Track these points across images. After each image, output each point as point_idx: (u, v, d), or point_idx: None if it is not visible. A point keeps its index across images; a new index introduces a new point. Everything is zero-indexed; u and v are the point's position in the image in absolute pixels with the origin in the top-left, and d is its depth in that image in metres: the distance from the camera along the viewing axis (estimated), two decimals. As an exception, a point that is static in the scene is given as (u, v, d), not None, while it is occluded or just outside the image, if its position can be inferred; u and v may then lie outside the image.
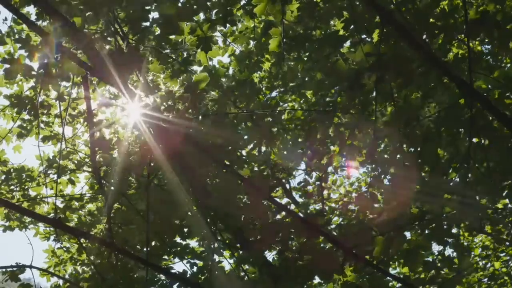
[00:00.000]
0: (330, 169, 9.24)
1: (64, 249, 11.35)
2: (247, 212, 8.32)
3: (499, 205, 8.14)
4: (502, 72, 7.72)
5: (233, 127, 8.67)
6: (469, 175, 7.45)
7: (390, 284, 8.47)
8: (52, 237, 11.19)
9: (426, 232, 7.53)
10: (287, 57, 8.54)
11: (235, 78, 9.30)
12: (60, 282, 10.60)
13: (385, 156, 8.14)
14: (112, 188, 9.39)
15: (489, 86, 7.68)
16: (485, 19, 7.09)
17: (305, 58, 8.59)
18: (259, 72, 9.50)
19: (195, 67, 8.75)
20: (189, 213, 8.69)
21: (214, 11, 8.04)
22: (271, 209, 8.24)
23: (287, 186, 9.45)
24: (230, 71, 9.51)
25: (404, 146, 7.95)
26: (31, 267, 9.11)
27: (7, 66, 7.65)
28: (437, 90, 7.54)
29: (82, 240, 9.62)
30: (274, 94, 9.59)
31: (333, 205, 9.42)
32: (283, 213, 8.15)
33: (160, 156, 8.39)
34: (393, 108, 8.05)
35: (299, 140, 8.83)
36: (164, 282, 8.43)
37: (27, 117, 9.85)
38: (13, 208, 9.33)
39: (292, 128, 9.00)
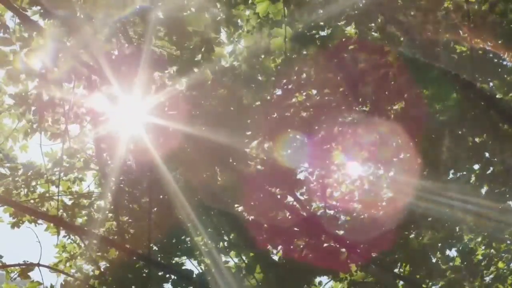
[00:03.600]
0: (332, 167, 9.17)
1: (75, 245, 11.34)
2: (252, 211, 8.33)
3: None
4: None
5: (237, 125, 8.62)
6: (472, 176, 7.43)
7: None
8: (63, 232, 11.16)
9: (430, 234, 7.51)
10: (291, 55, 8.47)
11: (241, 76, 9.24)
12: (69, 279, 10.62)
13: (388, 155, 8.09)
14: (118, 186, 9.41)
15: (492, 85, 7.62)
16: (489, 20, 7.04)
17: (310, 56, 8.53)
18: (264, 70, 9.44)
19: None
20: (193, 211, 8.68)
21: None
22: (276, 208, 8.25)
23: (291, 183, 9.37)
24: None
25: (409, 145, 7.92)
26: (39, 265, 9.15)
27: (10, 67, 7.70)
28: (441, 90, 7.48)
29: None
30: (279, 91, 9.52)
31: (334, 203, 9.37)
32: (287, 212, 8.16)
33: (164, 155, 8.40)
34: (399, 106, 8.02)
35: (303, 138, 8.78)
36: (176, 279, 8.44)
37: (33, 117, 9.83)
38: (14, 206, 9.36)
39: (296, 126, 8.94)
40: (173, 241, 8.86)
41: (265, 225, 8.19)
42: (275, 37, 8.26)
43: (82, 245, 11.16)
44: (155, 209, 8.71)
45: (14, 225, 10.98)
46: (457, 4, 7.34)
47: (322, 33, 8.48)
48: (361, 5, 7.72)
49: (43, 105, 9.20)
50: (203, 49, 7.75)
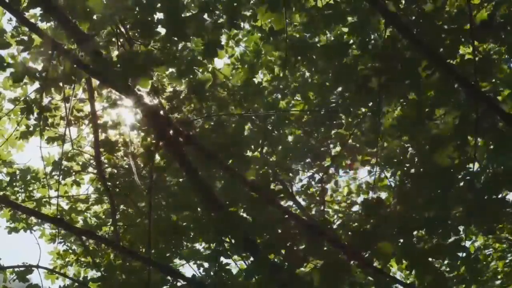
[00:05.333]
0: (332, 170, 9.17)
1: (70, 251, 11.30)
2: (253, 215, 8.28)
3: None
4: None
5: (237, 128, 8.61)
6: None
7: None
8: (58, 239, 11.11)
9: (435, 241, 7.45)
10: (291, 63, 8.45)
11: (240, 78, 9.22)
12: (67, 282, 10.56)
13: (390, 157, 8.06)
14: (117, 189, 9.38)
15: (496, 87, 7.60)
16: (492, 22, 7.03)
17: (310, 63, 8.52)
18: (263, 73, 9.46)
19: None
20: (194, 215, 8.65)
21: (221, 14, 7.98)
22: (276, 213, 8.19)
23: (290, 189, 9.38)
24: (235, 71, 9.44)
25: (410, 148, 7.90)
26: (38, 267, 9.12)
27: (12, 70, 7.67)
28: (443, 92, 7.46)
29: (88, 241, 9.59)
30: (278, 95, 9.52)
31: (336, 207, 9.36)
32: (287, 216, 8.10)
33: (164, 158, 8.37)
34: (401, 109, 8.00)
35: (302, 141, 8.77)
36: (175, 283, 8.38)
37: (32, 121, 9.79)
38: (17, 207, 9.32)
39: (295, 129, 8.94)
40: (172, 244, 8.81)
41: (265, 229, 8.13)
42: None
43: (78, 251, 11.15)
44: (157, 212, 8.65)
45: (12, 230, 10.94)
46: (460, 7, 7.35)
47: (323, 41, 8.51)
48: (362, 5, 7.71)
49: (43, 108, 9.18)
50: (206, 51, 7.71)
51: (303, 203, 9.45)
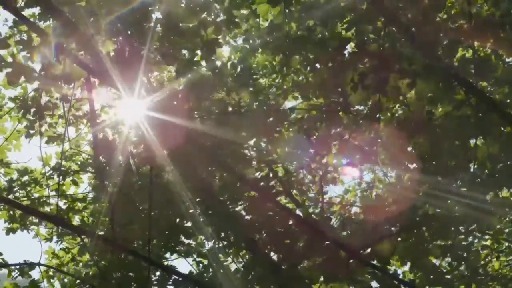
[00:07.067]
0: (331, 170, 9.15)
1: (66, 250, 11.25)
2: (251, 213, 8.30)
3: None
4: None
5: (236, 126, 8.59)
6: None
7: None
8: (54, 238, 11.06)
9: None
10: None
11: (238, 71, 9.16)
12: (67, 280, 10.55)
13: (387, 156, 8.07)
14: (115, 188, 9.35)
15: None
16: (491, 22, 7.06)
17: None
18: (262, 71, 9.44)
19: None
20: (192, 212, 8.63)
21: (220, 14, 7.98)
22: (275, 211, 8.20)
23: (288, 186, 9.37)
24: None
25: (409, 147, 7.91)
26: (39, 264, 9.14)
27: (9, 70, 7.64)
28: (443, 92, 7.48)
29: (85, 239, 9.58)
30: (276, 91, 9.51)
31: (333, 205, 9.36)
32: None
33: (163, 156, 8.36)
34: (400, 108, 8.02)
35: (301, 138, 8.75)
36: (176, 280, 8.39)
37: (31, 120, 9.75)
38: (17, 206, 9.32)
39: (294, 127, 8.93)
40: (171, 241, 8.81)
41: (264, 227, 8.15)
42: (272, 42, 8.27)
43: (74, 249, 11.11)
44: (155, 209, 8.64)
45: (9, 231, 10.87)
46: (459, 5, 7.37)
47: (321, 35, 8.49)
48: (360, 4, 7.71)
49: (42, 107, 9.16)
50: (204, 50, 7.72)
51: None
